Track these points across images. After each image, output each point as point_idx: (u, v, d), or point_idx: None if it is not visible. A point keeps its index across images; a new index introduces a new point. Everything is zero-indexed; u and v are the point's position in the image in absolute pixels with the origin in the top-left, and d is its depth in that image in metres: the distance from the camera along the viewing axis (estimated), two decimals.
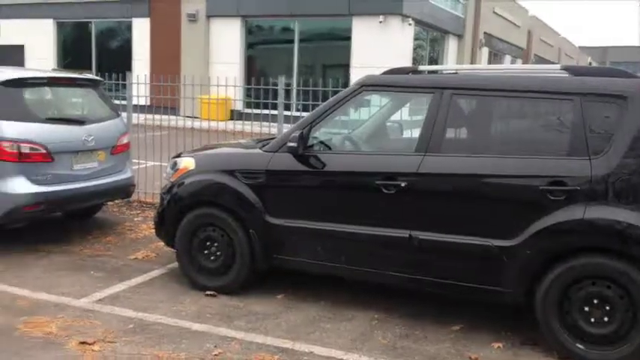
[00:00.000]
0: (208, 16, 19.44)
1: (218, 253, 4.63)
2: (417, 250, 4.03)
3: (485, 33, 24.25)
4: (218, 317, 4.22)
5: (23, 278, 4.87)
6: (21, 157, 5.32)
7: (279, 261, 4.52)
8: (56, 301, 4.40)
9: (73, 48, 22.04)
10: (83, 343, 3.73)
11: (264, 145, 4.69)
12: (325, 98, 5.75)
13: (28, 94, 5.81)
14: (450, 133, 4.24)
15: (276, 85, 7.03)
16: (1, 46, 22.09)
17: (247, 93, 14.98)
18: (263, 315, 4.29)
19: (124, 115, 7.08)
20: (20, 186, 5.33)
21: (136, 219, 6.89)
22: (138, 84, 7.63)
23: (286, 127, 5.73)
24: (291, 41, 18.92)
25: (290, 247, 4.46)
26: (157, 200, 5.85)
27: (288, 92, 7.44)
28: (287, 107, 7.30)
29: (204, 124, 8.83)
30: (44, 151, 5.45)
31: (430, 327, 4.15)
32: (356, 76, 7.48)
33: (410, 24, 17.75)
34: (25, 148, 5.34)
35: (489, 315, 4.30)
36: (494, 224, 3.85)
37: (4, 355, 3.57)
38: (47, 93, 6.21)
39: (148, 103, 7.82)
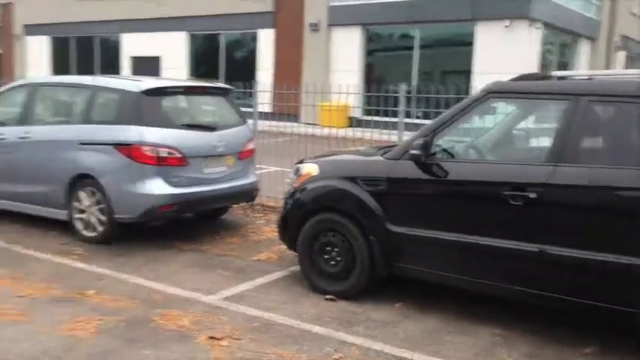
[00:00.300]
0: (329, 25, 19.84)
1: (338, 259, 4.69)
2: (547, 265, 3.83)
3: (621, 35, 22.59)
4: (337, 322, 4.28)
5: (159, 273, 5.23)
6: (159, 161, 5.73)
7: (398, 269, 4.50)
8: (187, 297, 4.68)
9: (203, 58, 23.40)
10: (212, 338, 3.92)
11: (385, 153, 4.68)
12: (446, 105, 5.65)
13: (166, 102, 6.24)
14: (585, 143, 3.99)
15: (396, 93, 7.02)
16: (140, 57, 24.03)
17: (366, 100, 15.07)
18: (381, 322, 4.28)
19: (250, 121, 7.40)
20: (157, 187, 5.75)
21: (258, 222, 7.16)
22: (264, 92, 7.94)
23: (406, 135, 5.69)
24: (411, 48, 18.78)
25: (410, 256, 4.42)
26: (279, 204, 6.05)
27: (407, 99, 7.40)
28: (407, 114, 7.25)
29: (325, 131, 8.99)
30: (180, 156, 5.84)
31: (558, 347, 3.93)
32: (478, 82, 7.28)
33: (537, 28, 16.94)
34: (163, 152, 5.75)
35: (624, 338, 3.99)
36: (633, 241, 3.58)
37: (141, 344, 3.84)
38: (182, 101, 6.65)
39: (272, 111, 8.11)
